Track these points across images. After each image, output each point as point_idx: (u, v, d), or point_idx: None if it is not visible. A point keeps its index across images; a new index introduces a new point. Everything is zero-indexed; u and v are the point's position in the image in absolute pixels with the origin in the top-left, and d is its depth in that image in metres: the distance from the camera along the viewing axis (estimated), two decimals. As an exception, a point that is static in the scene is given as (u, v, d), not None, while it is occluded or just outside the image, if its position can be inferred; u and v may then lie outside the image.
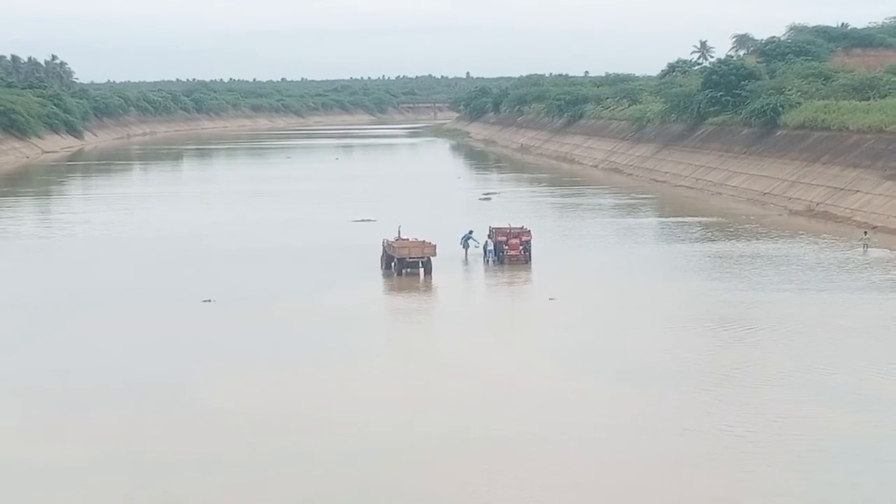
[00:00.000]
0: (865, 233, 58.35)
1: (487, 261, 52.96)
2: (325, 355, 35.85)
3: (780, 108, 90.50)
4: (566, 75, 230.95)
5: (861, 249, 55.09)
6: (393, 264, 50.04)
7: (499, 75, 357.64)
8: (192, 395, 31.40)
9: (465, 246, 54.50)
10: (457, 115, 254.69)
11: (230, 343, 37.82)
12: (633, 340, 37.26)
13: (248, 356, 35.89)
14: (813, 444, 26.56)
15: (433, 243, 49.74)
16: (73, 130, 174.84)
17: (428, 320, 43.46)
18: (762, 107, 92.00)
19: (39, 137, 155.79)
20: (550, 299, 43.93)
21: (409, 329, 41.48)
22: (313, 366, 34.59)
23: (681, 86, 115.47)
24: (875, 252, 54.46)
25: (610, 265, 53.27)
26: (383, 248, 51.26)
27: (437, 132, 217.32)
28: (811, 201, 72.33)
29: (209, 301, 44.08)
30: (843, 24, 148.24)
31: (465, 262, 53.58)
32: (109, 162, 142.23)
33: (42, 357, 36.22)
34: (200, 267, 53.56)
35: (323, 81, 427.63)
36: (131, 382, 32.80)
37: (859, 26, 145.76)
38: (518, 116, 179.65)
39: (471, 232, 54.95)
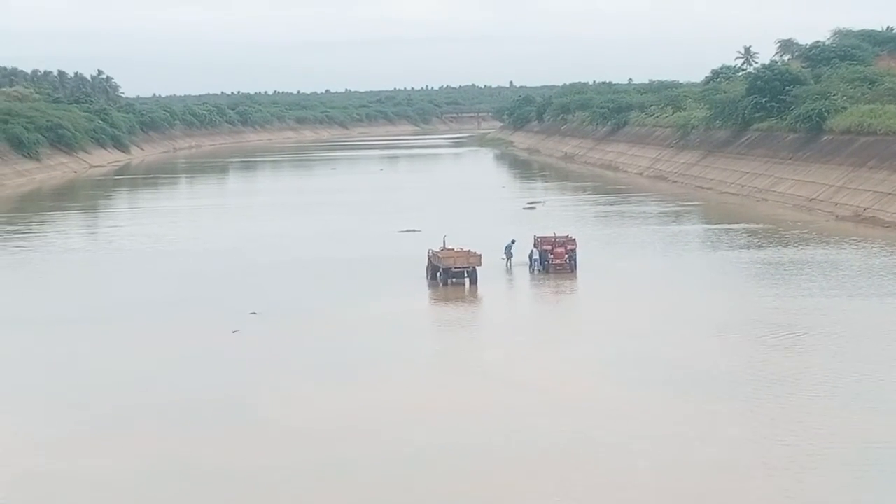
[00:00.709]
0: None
1: (533, 270, 52.86)
2: (371, 366, 35.81)
3: (826, 113, 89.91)
4: (610, 83, 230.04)
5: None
6: (438, 274, 50.03)
7: (542, 84, 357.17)
8: (237, 408, 31.44)
9: (509, 255, 54.47)
10: (500, 124, 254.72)
11: (276, 355, 37.89)
12: (682, 348, 37.02)
13: (295, 368, 35.96)
14: (866, 454, 26.24)
15: (478, 253, 49.72)
16: (119, 145, 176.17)
17: (475, 330, 43.36)
18: (807, 112, 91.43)
19: (86, 152, 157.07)
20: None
21: (456, 339, 41.37)
22: (360, 377, 34.57)
23: (725, 92, 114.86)
24: (925, 257, 53.94)
25: (656, 273, 53.01)
26: (428, 258, 51.26)
27: (481, 142, 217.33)
28: (858, 206, 71.75)
29: (256, 314, 44.23)
30: (888, 27, 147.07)
31: (509, 270, 53.53)
32: (156, 175, 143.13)
33: (89, 371, 36.45)
34: (247, 279, 53.74)
35: (367, 92, 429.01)
36: (177, 396, 32.88)
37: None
38: (562, 125, 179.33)
39: (513, 241, 54.90)
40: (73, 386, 34.63)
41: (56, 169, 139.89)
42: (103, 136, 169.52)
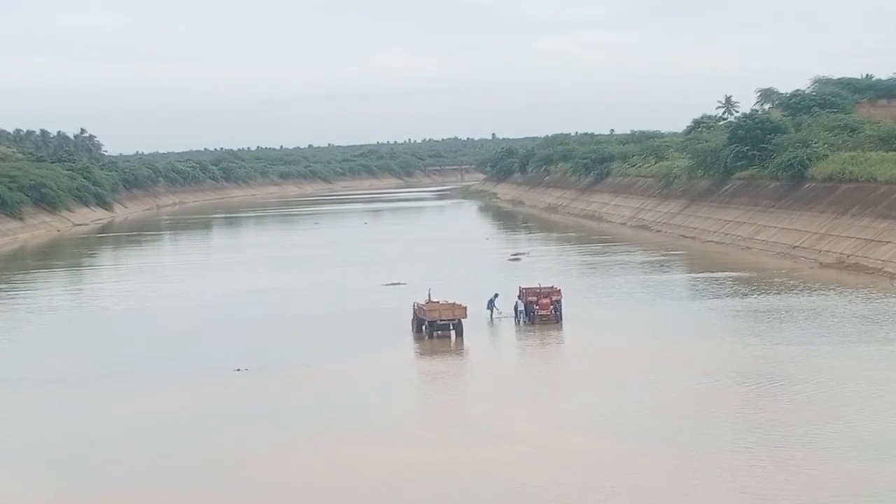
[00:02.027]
0: (896, 284, 57.95)
1: (518, 321, 52.79)
2: (358, 422, 35.58)
3: (808, 161, 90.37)
4: (592, 134, 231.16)
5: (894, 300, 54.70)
6: (424, 327, 49.91)
7: (524, 135, 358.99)
8: (223, 468, 31.22)
9: (491, 308, 54.31)
10: (483, 176, 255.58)
11: (263, 412, 37.65)
12: (670, 399, 36.91)
13: (282, 425, 35.72)
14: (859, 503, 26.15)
15: (464, 305, 49.65)
16: (102, 202, 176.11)
17: (461, 383, 43.20)
18: (789, 160, 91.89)
19: (70, 210, 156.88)
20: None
21: (443, 393, 41.19)
22: (347, 433, 34.33)
23: (706, 141, 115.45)
24: (909, 303, 54.07)
25: (642, 323, 52.96)
26: (414, 311, 51.19)
27: (465, 194, 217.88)
28: (842, 253, 71.96)
29: (240, 370, 44.01)
30: (867, 75, 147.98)
31: (491, 323, 53.40)
32: (139, 233, 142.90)
33: (76, 431, 36.21)
34: (232, 335, 53.55)
35: (349, 146, 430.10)
36: (160, 456, 32.67)
37: (884, 77, 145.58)
38: (545, 176, 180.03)
39: (496, 295, 54.79)
40: (50, 447, 34.34)
41: (39, 228, 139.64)
42: (86, 194, 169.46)
